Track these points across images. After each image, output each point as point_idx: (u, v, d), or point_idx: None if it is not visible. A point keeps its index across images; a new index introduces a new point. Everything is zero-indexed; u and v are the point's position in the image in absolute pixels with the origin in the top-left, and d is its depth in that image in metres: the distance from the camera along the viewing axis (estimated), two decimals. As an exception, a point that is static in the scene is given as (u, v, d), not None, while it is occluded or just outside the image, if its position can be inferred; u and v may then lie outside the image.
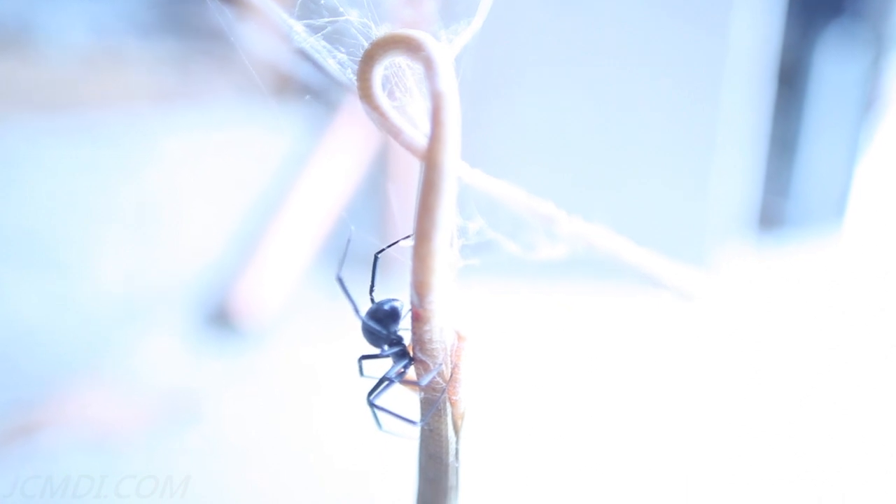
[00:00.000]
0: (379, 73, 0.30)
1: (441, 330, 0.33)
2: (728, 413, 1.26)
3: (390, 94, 0.31)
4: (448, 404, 0.35)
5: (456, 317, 0.33)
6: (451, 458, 0.36)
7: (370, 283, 0.35)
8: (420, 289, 0.31)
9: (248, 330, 1.46)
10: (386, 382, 0.35)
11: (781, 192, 1.77)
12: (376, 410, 0.35)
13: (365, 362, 0.37)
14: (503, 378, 1.31)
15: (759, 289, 1.68)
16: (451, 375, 0.34)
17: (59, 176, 1.30)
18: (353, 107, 1.63)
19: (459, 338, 0.34)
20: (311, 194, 1.55)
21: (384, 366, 0.35)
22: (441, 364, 0.33)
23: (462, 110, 0.28)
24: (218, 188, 1.56)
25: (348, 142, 1.57)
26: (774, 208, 1.79)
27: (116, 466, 0.93)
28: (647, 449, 1.14)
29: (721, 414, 1.26)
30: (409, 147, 0.30)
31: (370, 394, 0.35)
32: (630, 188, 1.64)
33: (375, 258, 0.35)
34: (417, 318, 0.32)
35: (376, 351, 0.35)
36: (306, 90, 1.53)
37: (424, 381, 0.33)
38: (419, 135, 0.30)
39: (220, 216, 1.59)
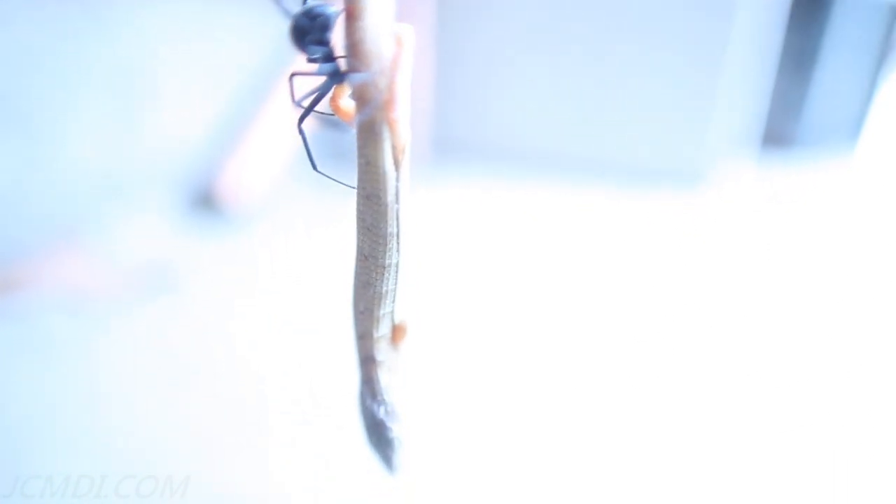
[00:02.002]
0: None
1: (376, 34, 0.31)
2: (717, 334, 1.21)
3: None
4: (386, 130, 0.33)
5: (394, 22, 0.32)
6: (391, 197, 0.34)
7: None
8: (351, -24, 0.30)
9: (233, 214, 1.47)
10: (317, 98, 0.33)
11: (793, 109, 1.65)
12: (309, 129, 0.33)
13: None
14: (471, 291, 1.31)
15: (759, 207, 1.59)
16: (389, 89, 0.32)
17: (28, 35, 1.26)
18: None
19: (398, 43, 0.32)
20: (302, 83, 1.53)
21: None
22: (377, 73, 0.31)
23: None
24: (203, 68, 1.53)
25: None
26: (784, 126, 1.68)
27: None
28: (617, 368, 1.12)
29: (709, 335, 1.21)
30: None
31: (300, 120, 0.33)
32: (633, 93, 1.59)
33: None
34: (350, 16, 0.31)
35: (307, 69, 0.33)
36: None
37: (356, 81, 0.31)
38: None
39: (207, 97, 1.56)
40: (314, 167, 0.35)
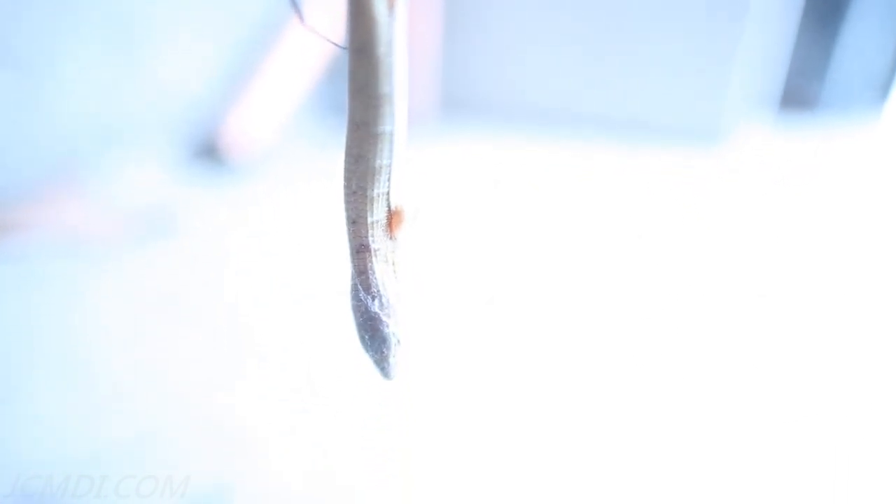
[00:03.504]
0: None
1: None
2: (728, 298, 1.15)
3: None
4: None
5: None
6: (383, 49, 0.29)
7: None
8: None
9: (235, 164, 1.46)
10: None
11: (816, 69, 1.55)
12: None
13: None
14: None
15: (777, 172, 1.51)
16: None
17: None
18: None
19: None
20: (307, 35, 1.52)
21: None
22: None
23: None
24: (208, 16, 1.50)
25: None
26: (806, 87, 1.59)
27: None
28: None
29: (720, 299, 1.15)
30: None
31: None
32: (650, 51, 1.54)
33: None
34: None
35: None
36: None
37: None
38: None
39: (211, 46, 1.53)
40: (301, 20, 0.31)
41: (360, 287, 0.32)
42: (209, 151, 1.43)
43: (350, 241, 0.33)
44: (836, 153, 1.59)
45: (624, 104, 1.63)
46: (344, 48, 0.31)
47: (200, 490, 0.89)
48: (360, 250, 0.32)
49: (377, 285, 0.32)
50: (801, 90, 1.58)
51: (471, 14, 1.66)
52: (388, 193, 0.32)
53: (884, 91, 1.57)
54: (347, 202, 0.32)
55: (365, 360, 0.33)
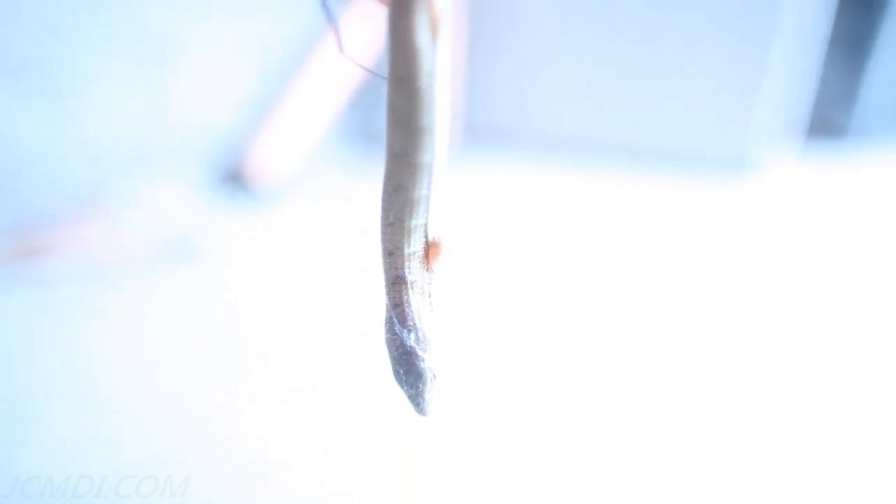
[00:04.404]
0: None
1: None
2: (753, 325, 1.15)
3: None
4: (422, -5, 0.28)
5: None
6: (424, 80, 0.28)
7: None
8: None
9: (260, 191, 1.45)
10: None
11: (844, 97, 1.53)
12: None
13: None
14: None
15: (805, 201, 1.50)
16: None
17: (58, 3, 1.23)
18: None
19: None
20: (333, 61, 1.49)
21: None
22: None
23: None
24: (235, 44, 1.50)
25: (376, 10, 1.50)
26: (834, 115, 1.57)
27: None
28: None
29: (745, 327, 1.15)
30: None
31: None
32: (675, 79, 1.52)
33: None
34: None
35: None
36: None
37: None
38: None
39: (238, 74, 1.53)
40: (340, 49, 0.29)
41: (395, 320, 0.31)
42: (234, 177, 1.42)
43: (386, 272, 0.32)
44: (865, 182, 1.58)
45: (650, 133, 1.61)
46: (384, 78, 0.30)
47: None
48: (396, 282, 0.31)
49: (413, 318, 0.31)
50: (828, 118, 1.56)
51: (493, 44, 1.65)
52: (425, 225, 0.31)
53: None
54: (384, 233, 0.31)
55: (399, 393, 0.32)
